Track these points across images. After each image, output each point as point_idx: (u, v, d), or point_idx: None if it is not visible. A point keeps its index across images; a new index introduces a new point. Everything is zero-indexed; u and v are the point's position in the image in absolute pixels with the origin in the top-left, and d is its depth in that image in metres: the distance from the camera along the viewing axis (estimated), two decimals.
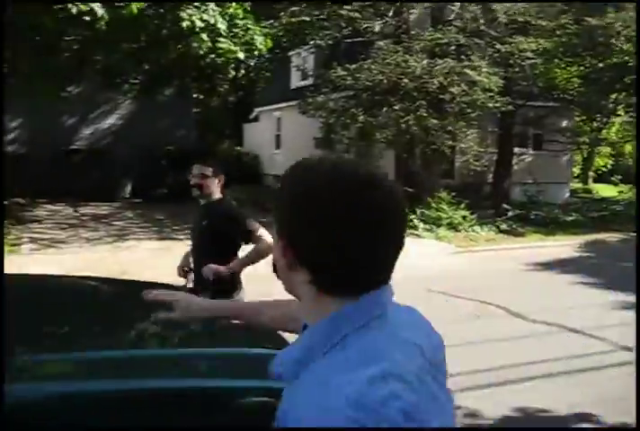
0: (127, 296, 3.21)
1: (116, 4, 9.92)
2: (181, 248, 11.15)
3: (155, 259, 9.79)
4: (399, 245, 1.09)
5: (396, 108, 13.71)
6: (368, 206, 1.02)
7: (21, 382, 2.12)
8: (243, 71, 13.75)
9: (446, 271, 10.22)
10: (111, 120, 19.21)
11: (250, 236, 4.08)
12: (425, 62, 13.57)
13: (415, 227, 13.79)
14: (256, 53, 11.59)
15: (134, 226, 13.46)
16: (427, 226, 13.87)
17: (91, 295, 3.46)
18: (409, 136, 13.95)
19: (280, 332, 2.76)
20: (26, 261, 9.44)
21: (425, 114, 13.42)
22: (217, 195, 4.29)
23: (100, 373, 2.22)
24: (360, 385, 0.90)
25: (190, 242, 4.42)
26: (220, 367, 2.43)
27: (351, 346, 0.99)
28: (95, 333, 2.81)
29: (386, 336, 1.01)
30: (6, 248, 11.03)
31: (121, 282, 3.90)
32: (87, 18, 9.49)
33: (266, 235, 4.06)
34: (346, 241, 1.01)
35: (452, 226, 14.05)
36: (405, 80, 13.50)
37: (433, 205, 14.37)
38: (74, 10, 9.34)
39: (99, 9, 9.44)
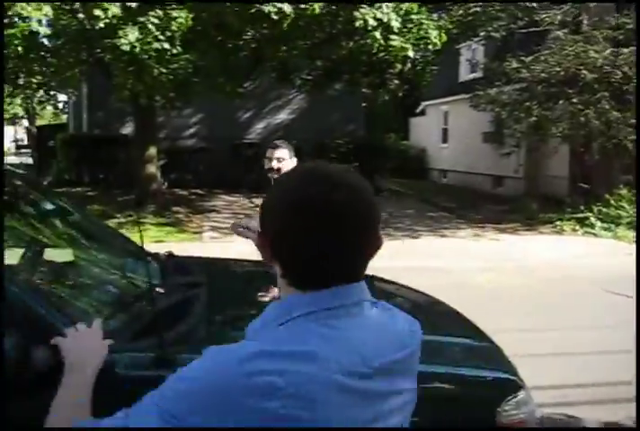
0: None
1: (300, 4, 10.31)
2: None
3: None
4: (364, 245, 1.14)
5: (574, 100, 13.09)
6: (323, 210, 1.09)
7: None
8: (409, 65, 13.67)
9: (625, 272, 9.64)
10: (282, 115, 19.92)
11: None
12: (608, 51, 12.84)
13: (591, 226, 13.12)
14: (430, 47, 11.53)
15: None
16: (605, 225, 13.14)
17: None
18: (587, 129, 13.28)
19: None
20: (207, 248, 10.04)
21: (607, 106, 12.71)
22: None
23: None
24: (246, 355, 1.05)
25: None
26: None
27: (290, 328, 1.11)
28: None
29: (326, 328, 1.10)
30: (189, 235, 11.81)
31: None
32: (275, 17, 9.96)
33: None
34: (305, 242, 1.09)
35: (633, 226, 13.21)
36: (585, 71, 12.86)
37: (612, 202, 13.58)
38: (266, 9, 9.87)
39: (287, 8, 9.90)
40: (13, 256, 2.76)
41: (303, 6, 10.38)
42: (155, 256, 3.22)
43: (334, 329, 1.10)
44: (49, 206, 2.97)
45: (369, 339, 1.14)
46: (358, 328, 1.13)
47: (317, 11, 10.45)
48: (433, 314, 3.41)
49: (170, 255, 3.28)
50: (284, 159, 4.21)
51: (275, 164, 4.20)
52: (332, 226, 1.09)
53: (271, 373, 1.02)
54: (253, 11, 10.23)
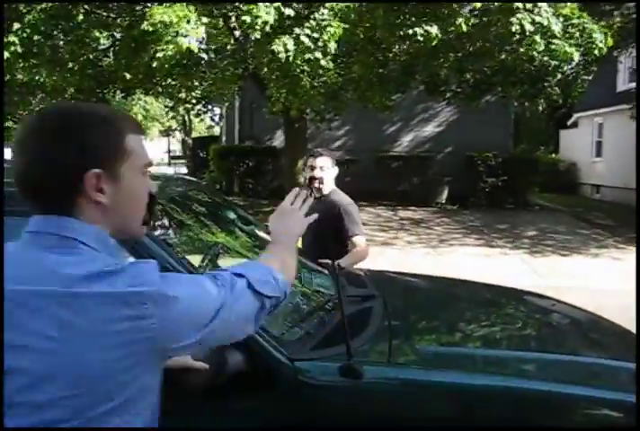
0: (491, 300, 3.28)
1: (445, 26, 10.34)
2: (499, 256, 11.10)
3: (474, 265, 9.83)
4: (42, 176, 1.19)
5: None
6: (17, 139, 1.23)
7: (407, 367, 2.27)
8: (559, 75, 13.17)
9: None
10: (429, 128, 19.75)
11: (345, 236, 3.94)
12: None
13: None
14: (596, 53, 10.99)
15: (452, 232, 13.65)
16: None
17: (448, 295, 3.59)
18: None
19: None
20: None
21: None
22: (331, 187, 4.13)
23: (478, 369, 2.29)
24: None
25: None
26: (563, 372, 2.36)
27: None
28: (462, 330, 2.90)
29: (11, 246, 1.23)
30: None
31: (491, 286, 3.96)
32: (420, 38, 10.05)
33: (361, 242, 3.98)
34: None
35: None
36: None
37: None
38: (410, 31, 9.99)
39: (434, 31, 9.96)
40: (194, 262, 2.89)
41: (450, 29, 10.48)
42: (325, 265, 3.26)
43: (11, 247, 1.22)
44: (232, 215, 3.09)
45: (17, 264, 1.18)
46: (17, 253, 1.20)
47: (464, 29, 10.35)
48: (596, 333, 3.22)
49: (339, 266, 3.30)
50: (326, 168, 4.08)
51: (317, 173, 4.06)
52: (17, 154, 1.22)
53: None
54: (400, 34, 10.42)
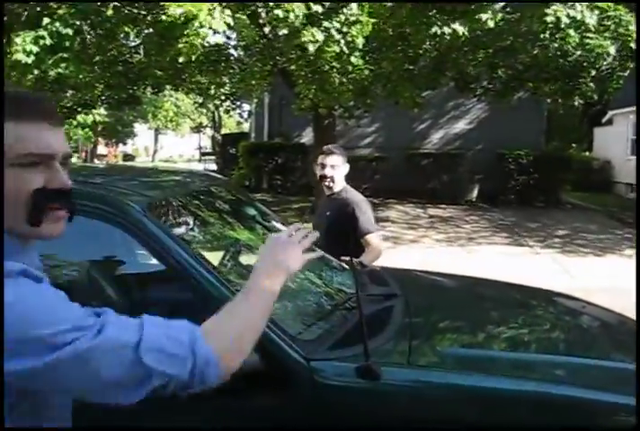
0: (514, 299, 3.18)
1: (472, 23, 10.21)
2: (530, 255, 10.93)
3: (503, 264, 9.69)
4: None
5: None
6: None
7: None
8: (594, 71, 12.91)
9: None
10: (460, 125, 19.56)
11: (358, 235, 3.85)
12: None
13: None
14: (633, 46, 10.77)
15: (481, 230, 13.49)
16: None
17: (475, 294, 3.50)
18: None
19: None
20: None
21: None
22: (342, 184, 4.04)
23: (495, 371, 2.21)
24: None
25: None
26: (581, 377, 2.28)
27: None
28: (483, 330, 2.82)
29: None
30: None
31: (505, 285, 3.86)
32: (447, 37, 9.96)
33: (375, 240, 3.90)
34: None
35: None
36: None
37: None
38: (433, 30, 9.91)
39: (459, 28, 9.85)
40: (213, 258, 2.85)
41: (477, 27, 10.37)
42: (348, 263, 3.20)
43: None
44: (254, 212, 3.04)
45: None
46: None
47: (492, 25, 10.18)
48: (627, 336, 3.11)
49: (361, 264, 3.25)
50: (337, 166, 4.00)
51: (328, 172, 3.99)
52: None
53: None
54: (428, 32, 10.33)
